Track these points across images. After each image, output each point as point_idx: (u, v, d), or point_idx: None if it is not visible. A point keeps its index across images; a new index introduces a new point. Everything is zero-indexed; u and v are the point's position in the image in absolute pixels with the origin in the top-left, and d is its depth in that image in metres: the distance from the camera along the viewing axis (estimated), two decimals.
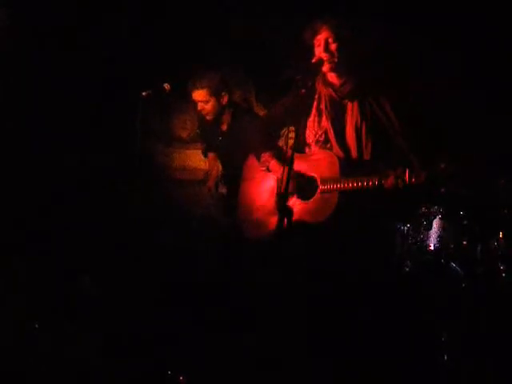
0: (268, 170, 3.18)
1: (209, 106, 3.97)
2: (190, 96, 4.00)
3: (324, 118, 3.00)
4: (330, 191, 2.86)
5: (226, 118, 4.04)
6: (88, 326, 3.57)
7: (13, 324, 3.53)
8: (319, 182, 2.92)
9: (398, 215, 3.77)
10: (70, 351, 3.34)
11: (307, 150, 3.07)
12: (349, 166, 2.87)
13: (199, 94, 3.94)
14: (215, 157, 4.19)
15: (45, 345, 3.40)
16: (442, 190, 2.69)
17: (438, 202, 3.71)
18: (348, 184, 2.79)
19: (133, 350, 3.36)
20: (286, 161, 2.66)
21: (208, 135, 4.23)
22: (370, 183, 2.74)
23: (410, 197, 3.00)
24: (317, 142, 3.01)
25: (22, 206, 4.37)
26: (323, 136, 2.99)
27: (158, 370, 3.22)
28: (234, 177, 3.71)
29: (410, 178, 2.67)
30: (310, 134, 3.03)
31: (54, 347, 3.37)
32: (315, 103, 3.04)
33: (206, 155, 4.31)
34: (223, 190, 4.00)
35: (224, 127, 4.07)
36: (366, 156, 2.91)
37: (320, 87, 3.03)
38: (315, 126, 3.02)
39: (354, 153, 2.93)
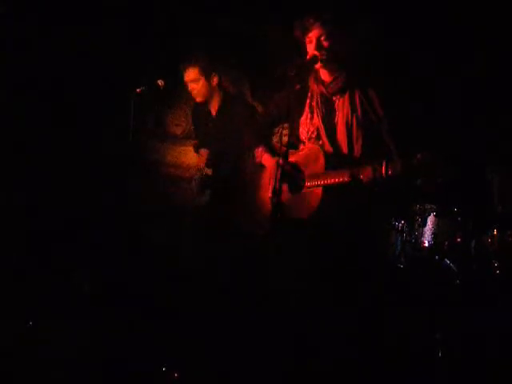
0: (261, 164, 3.18)
1: (199, 86, 3.97)
2: (183, 78, 4.00)
3: (315, 115, 3.01)
4: (314, 186, 2.86)
5: (216, 101, 4.05)
6: (81, 322, 3.57)
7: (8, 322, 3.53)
8: (306, 177, 2.94)
9: (390, 212, 3.78)
10: (63, 347, 3.34)
11: (301, 146, 3.08)
12: (339, 162, 2.87)
13: (190, 73, 3.95)
14: (207, 152, 4.18)
15: (37, 342, 3.40)
16: (419, 181, 2.67)
17: (427, 198, 3.72)
18: (329, 179, 2.79)
19: (127, 346, 3.36)
20: (279, 157, 2.68)
21: (200, 129, 4.23)
22: (350, 177, 2.74)
23: (399, 193, 3.00)
24: (309, 139, 3.02)
25: (17, 203, 4.36)
26: (315, 133, 3.01)
27: (153, 366, 3.22)
28: (219, 163, 3.75)
29: (386, 169, 2.66)
30: (303, 132, 3.05)
31: (46, 344, 3.37)
32: (308, 101, 3.05)
33: (197, 151, 4.31)
34: (208, 171, 4.01)
35: (213, 112, 4.09)
36: (357, 151, 2.91)
37: (312, 85, 3.04)
38: (308, 124, 3.03)
39: (344, 148, 2.93)
